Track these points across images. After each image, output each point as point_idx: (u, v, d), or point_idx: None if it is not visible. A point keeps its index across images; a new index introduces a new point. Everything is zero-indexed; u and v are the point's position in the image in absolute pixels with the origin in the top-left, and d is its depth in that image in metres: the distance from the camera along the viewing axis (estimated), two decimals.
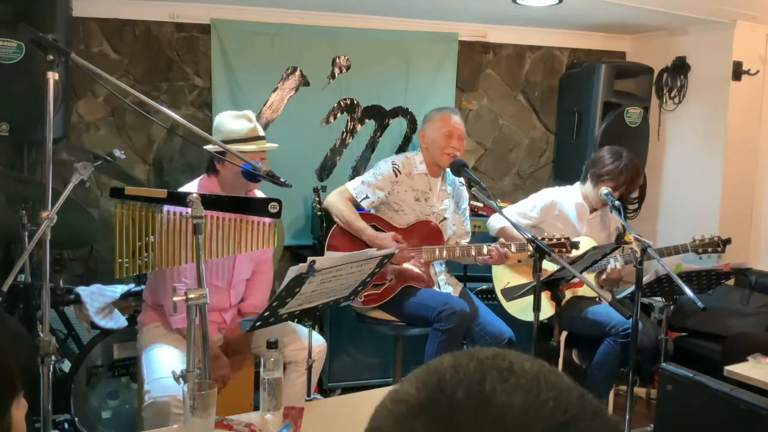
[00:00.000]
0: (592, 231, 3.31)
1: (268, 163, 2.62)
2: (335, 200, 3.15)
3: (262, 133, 2.65)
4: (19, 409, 1.08)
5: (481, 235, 3.56)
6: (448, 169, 3.23)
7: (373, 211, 3.20)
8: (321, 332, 3.52)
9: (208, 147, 2.62)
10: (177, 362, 2.36)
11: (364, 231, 3.06)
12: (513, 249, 3.04)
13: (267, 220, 2.13)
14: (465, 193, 3.35)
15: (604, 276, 3.25)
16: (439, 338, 2.87)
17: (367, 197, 3.13)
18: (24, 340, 1.13)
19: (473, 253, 3.06)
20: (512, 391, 0.53)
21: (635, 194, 3.94)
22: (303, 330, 2.64)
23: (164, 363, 2.37)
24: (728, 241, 3.13)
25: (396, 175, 3.15)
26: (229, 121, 2.60)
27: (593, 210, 3.35)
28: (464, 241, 3.27)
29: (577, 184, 3.39)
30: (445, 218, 3.22)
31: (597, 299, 3.20)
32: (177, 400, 2.21)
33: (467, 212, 3.38)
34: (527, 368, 0.55)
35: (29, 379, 1.10)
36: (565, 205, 3.33)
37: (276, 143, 4.00)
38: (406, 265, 3.08)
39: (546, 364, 0.57)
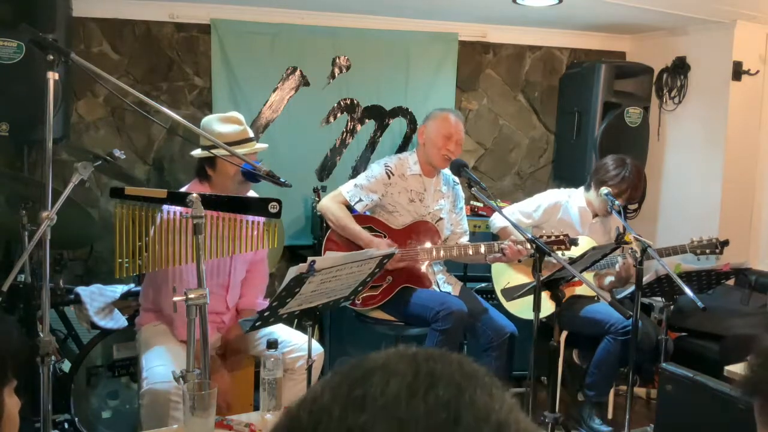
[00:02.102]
0: (593, 235, 3.31)
1: (267, 163, 2.61)
2: (329, 205, 3.13)
3: (251, 134, 2.60)
4: (12, 402, 1.08)
5: (481, 235, 3.55)
6: (443, 170, 3.23)
7: (368, 213, 3.19)
8: (320, 332, 3.52)
9: (196, 152, 2.60)
10: (176, 355, 2.35)
11: (359, 236, 3.04)
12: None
13: (261, 219, 2.12)
14: (461, 192, 3.35)
15: (612, 278, 3.25)
16: (438, 338, 2.86)
17: (360, 200, 3.12)
18: (12, 330, 1.14)
19: (470, 252, 3.05)
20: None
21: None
22: (300, 337, 2.63)
23: (163, 354, 2.37)
24: (726, 242, 3.13)
25: (389, 177, 3.14)
26: (217, 124, 2.53)
27: (595, 216, 3.36)
28: (463, 241, 3.27)
29: (581, 189, 3.40)
30: (441, 218, 3.21)
31: (596, 298, 3.20)
32: (176, 387, 2.20)
33: (464, 211, 3.37)
34: (388, 391, 0.52)
35: (20, 366, 1.10)
36: (570, 208, 3.33)
37: (276, 143, 3.99)
38: (402, 265, 3.07)
39: (418, 389, 0.52)
